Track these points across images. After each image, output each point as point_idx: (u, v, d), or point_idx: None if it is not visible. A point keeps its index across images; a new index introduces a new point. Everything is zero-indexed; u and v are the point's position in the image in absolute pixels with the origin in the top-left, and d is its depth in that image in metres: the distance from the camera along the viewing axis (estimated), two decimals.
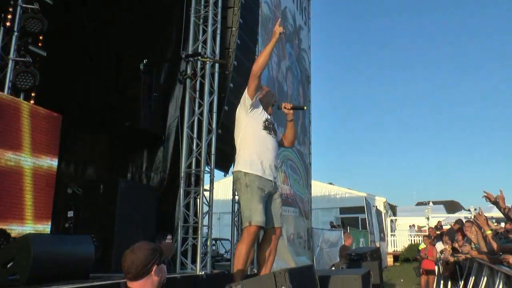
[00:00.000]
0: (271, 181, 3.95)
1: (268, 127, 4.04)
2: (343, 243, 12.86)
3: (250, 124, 4.01)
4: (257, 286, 3.27)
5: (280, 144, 4.29)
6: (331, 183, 26.38)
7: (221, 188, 17.87)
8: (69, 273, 3.69)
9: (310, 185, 12.46)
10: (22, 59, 5.98)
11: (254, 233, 3.75)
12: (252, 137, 3.98)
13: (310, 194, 12.36)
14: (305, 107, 4.41)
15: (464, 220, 10.29)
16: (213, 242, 11.89)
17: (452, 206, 39.01)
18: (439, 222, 15.58)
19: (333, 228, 18.18)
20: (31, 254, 3.45)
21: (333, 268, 9.24)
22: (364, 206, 22.02)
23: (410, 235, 25.99)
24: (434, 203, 33.24)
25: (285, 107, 4.16)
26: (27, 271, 3.42)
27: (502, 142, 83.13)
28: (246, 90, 3.98)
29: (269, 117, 4.12)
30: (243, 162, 3.92)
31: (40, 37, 6.34)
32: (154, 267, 2.17)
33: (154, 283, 2.18)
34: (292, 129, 4.29)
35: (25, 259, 3.45)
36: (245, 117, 4.01)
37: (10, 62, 5.92)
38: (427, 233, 13.18)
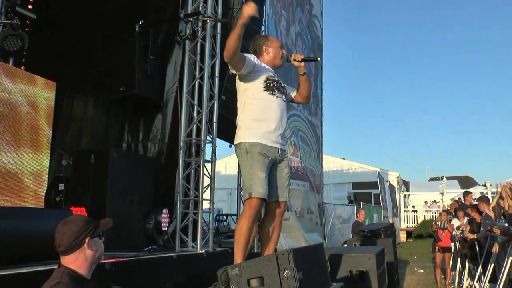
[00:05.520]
0: (277, 148, 3.46)
1: (271, 86, 3.50)
2: (356, 219, 12.43)
3: (248, 88, 3.51)
4: (257, 269, 2.83)
5: (295, 100, 3.84)
6: (344, 158, 25.82)
7: (232, 162, 17.46)
8: (38, 254, 3.11)
9: (322, 159, 11.95)
10: (10, 21, 5.62)
11: (256, 206, 3.30)
12: (251, 102, 3.47)
13: (322, 167, 11.87)
14: (318, 58, 3.94)
15: (479, 195, 9.88)
16: (224, 218, 11.58)
17: (466, 182, 38.48)
18: (459, 198, 15.02)
19: (351, 203, 17.81)
20: None
21: (346, 245, 8.86)
22: (377, 181, 21.53)
23: (431, 211, 25.46)
24: (448, 178, 32.61)
25: (294, 59, 3.65)
26: None
27: None
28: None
29: (271, 74, 3.58)
30: (242, 133, 3.45)
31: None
32: (87, 239, 2.03)
33: (88, 257, 2.04)
34: (306, 82, 3.74)
35: None
36: (242, 83, 3.54)
37: None
38: (445, 208, 12.68)
